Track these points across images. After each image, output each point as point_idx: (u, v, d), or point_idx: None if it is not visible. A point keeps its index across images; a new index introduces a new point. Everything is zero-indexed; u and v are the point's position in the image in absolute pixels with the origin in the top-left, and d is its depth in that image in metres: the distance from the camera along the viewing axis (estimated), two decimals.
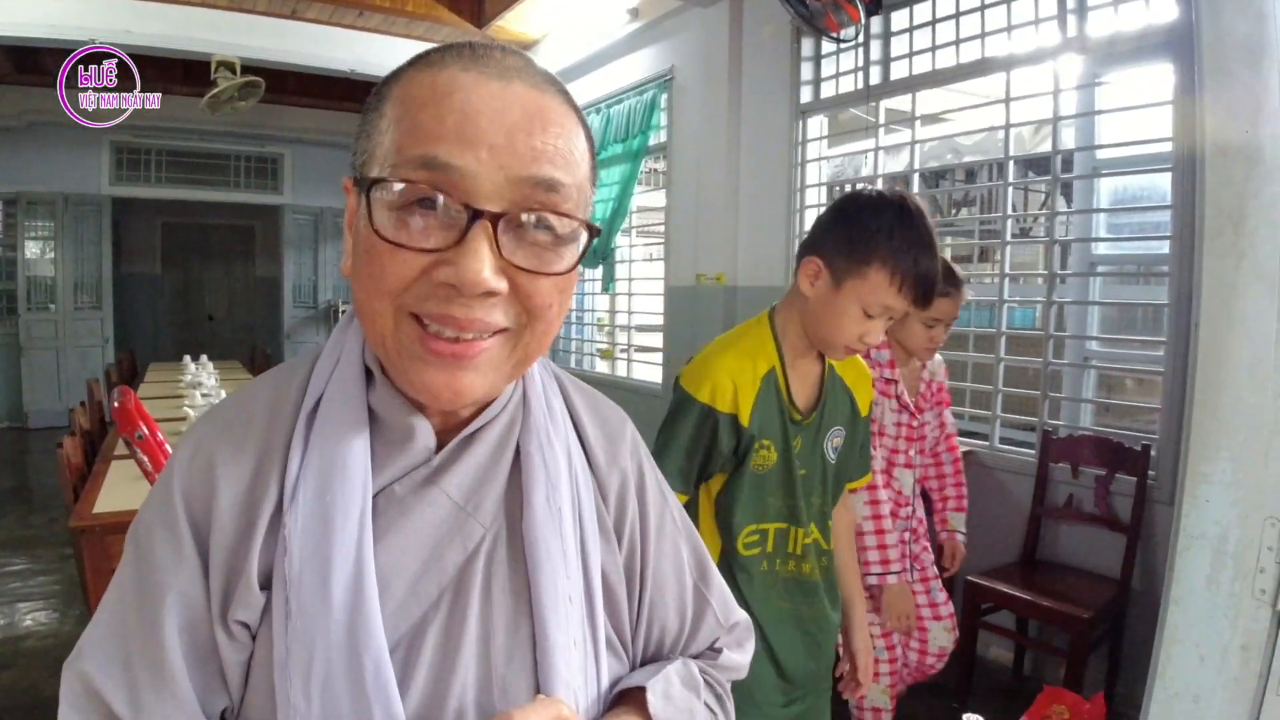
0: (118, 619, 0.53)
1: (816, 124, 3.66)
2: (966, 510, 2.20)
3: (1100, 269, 2.84)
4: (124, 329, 7.83)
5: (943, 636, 2.03)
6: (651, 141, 4.41)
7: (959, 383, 2.94)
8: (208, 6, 4.50)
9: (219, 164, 7.66)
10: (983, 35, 2.87)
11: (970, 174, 5.09)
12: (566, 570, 0.58)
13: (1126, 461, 2.45)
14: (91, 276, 7.15)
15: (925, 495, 2.23)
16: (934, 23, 3.05)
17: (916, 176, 3.28)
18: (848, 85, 3.44)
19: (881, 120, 3.33)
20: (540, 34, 5.09)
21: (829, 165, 3.86)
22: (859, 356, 1.38)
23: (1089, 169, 2.76)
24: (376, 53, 4.85)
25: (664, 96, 4.33)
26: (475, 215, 0.47)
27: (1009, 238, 2.95)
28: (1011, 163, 2.92)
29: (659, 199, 4.72)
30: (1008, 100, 2.78)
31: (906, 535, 1.99)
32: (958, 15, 2.95)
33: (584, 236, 0.52)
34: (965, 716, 1.17)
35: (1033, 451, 2.74)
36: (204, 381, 4.40)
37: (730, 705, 0.72)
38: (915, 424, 2.00)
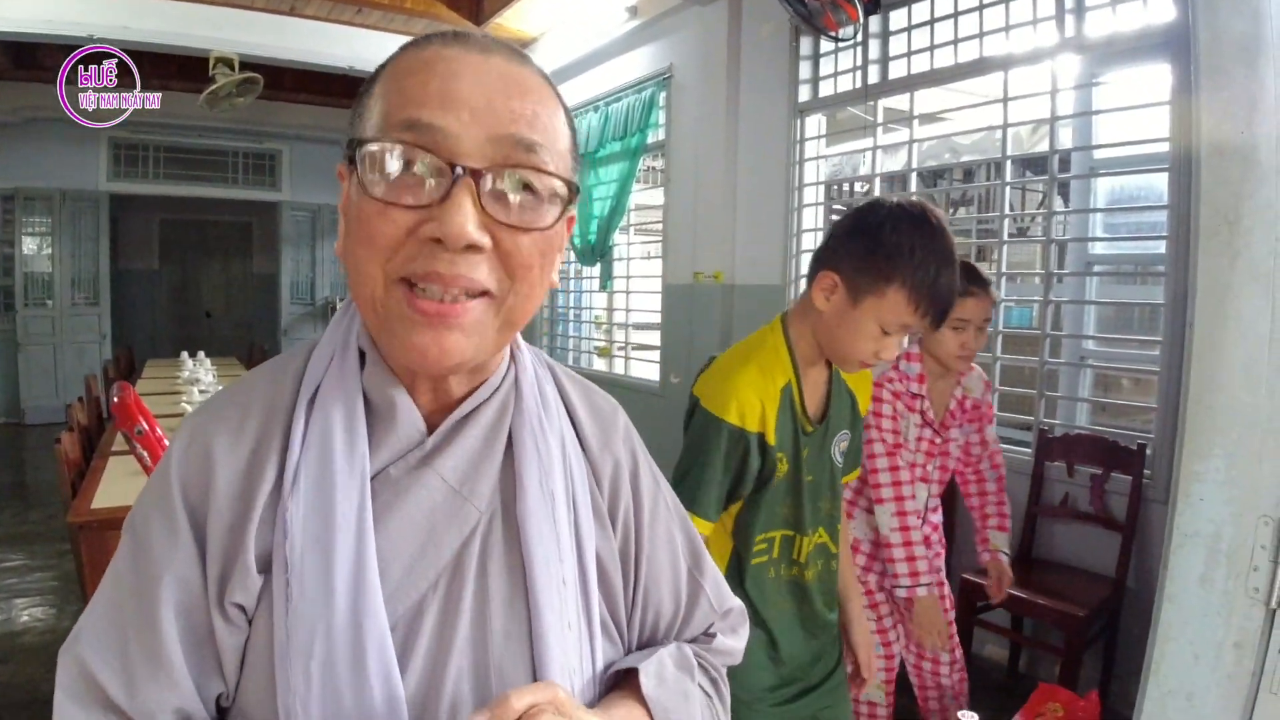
0: (114, 605, 0.53)
1: (814, 123, 3.66)
2: (1009, 530, 2.09)
3: (1097, 269, 2.84)
4: (121, 325, 7.82)
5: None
6: (650, 140, 4.41)
7: None
8: (206, 3, 4.49)
9: (217, 160, 7.65)
10: (981, 35, 2.87)
11: (968, 173, 5.10)
12: (560, 553, 0.59)
13: (1122, 460, 2.46)
14: (89, 272, 7.14)
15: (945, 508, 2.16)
16: (932, 22, 3.05)
17: (914, 176, 3.28)
18: (846, 84, 3.44)
19: (879, 119, 3.33)
20: (539, 31, 5.08)
21: (827, 164, 3.87)
22: None
23: (1086, 169, 2.76)
24: (375, 49, 4.84)
25: (662, 95, 4.32)
26: (458, 173, 0.49)
27: (1006, 237, 2.96)
28: (1009, 162, 2.92)
29: (657, 197, 4.72)
30: (1005, 100, 2.79)
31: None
32: (956, 15, 2.95)
33: (565, 199, 0.54)
34: (961, 714, 1.18)
35: (1029, 450, 2.74)
36: (201, 378, 4.41)
37: (726, 689, 0.72)
38: (939, 440, 1.94)
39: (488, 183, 0.50)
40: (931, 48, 3.06)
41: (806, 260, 3.74)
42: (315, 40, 4.84)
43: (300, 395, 0.57)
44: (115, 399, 2.08)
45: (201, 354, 5.18)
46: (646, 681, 0.60)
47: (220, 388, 0.68)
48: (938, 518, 2.03)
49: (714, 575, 0.74)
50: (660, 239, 4.56)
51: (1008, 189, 3.09)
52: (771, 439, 1.19)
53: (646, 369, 4.77)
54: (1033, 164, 4.55)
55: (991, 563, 2.07)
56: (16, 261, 6.80)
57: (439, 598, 0.55)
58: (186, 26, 4.48)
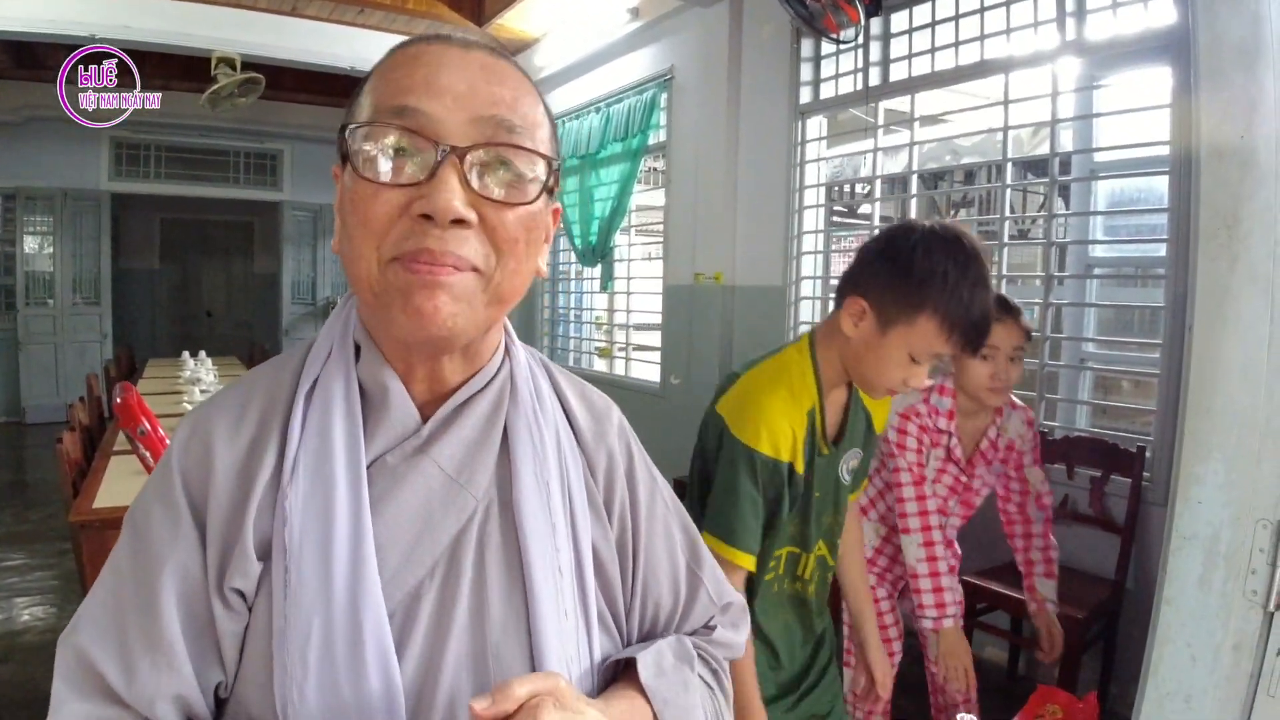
0: (114, 594, 0.54)
1: (815, 124, 3.67)
2: (1057, 576, 1.92)
3: (1097, 271, 2.85)
4: (122, 325, 7.83)
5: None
6: (651, 141, 4.41)
7: None
8: (208, 3, 4.49)
9: (218, 160, 7.66)
10: (982, 37, 2.88)
11: (969, 175, 5.10)
12: (556, 543, 0.59)
13: (1122, 463, 2.46)
14: (90, 272, 7.16)
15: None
16: (933, 24, 3.06)
17: (915, 178, 3.29)
18: (847, 86, 3.44)
19: (880, 121, 3.33)
20: (540, 33, 5.09)
21: (828, 166, 3.87)
22: None
23: (1087, 171, 2.77)
24: (376, 50, 4.73)
25: (663, 96, 4.33)
26: (444, 152, 0.52)
27: (1006, 239, 2.96)
28: (1010, 164, 2.92)
29: (658, 198, 4.73)
30: (1006, 102, 2.79)
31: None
32: (957, 17, 2.96)
33: (545, 177, 0.56)
34: (959, 716, 1.19)
35: None
36: (202, 378, 4.41)
37: (727, 680, 0.73)
38: (964, 479, 1.86)
39: (471, 160, 0.53)
40: (933, 50, 3.07)
41: (807, 261, 3.76)
42: (317, 40, 4.84)
43: (299, 387, 0.58)
44: (118, 399, 2.09)
45: (202, 354, 5.17)
46: (645, 672, 0.61)
47: (221, 387, 0.69)
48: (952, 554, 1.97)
49: (713, 569, 0.74)
50: (661, 240, 4.57)
51: (1008, 191, 3.10)
52: (800, 468, 1.16)
53: (647, 370, 4.78)
54: (1033, 166, 4.56)
55: (1039, 614, 1.90)
56: (18, 261, 6.81)
57: (436, 585, 0.56)
58: (188, 26, 4.49)
